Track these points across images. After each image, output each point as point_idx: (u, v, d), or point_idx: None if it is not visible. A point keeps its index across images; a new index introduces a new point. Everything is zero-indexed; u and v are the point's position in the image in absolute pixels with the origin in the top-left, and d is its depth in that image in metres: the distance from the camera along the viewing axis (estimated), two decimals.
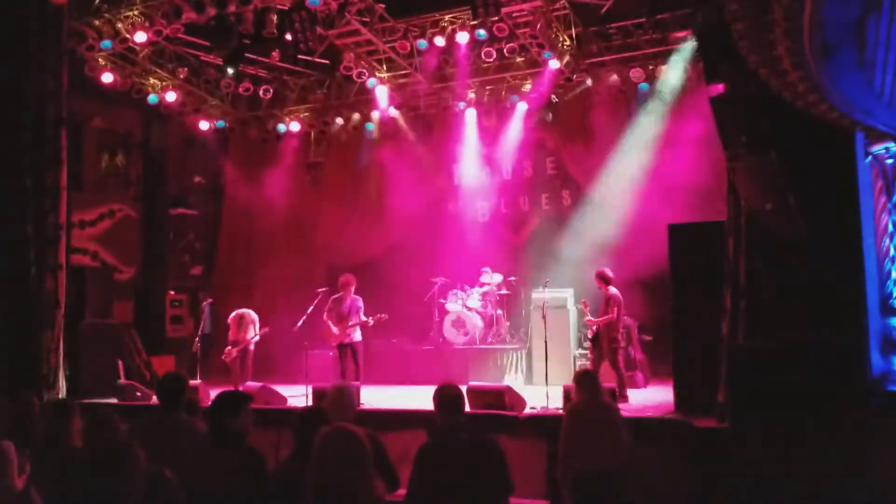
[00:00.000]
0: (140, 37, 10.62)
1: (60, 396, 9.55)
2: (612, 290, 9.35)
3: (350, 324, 9.84)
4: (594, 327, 9.32)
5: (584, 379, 5.94)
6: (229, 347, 10.45)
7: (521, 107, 12.68)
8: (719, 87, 7.24)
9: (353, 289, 9.98)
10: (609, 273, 9.46)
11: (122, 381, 10.22)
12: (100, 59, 11.29)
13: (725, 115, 7.22)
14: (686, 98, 11.50)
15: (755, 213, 6.98)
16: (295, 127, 13.99)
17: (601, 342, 9.28)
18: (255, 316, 10.61)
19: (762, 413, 6.48)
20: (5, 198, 9.79)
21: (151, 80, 12.27)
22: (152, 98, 12.28)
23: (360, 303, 10.01)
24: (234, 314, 10.57)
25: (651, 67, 11.52)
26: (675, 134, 11.68)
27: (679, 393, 8.06)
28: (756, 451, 6.33)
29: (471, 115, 13.21)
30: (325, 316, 9.96)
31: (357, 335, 9.97)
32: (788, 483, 6.00)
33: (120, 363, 10.99)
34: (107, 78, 11.51)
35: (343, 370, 9.97)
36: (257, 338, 10.53)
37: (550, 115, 12.40)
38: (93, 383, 10.29)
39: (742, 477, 6.32)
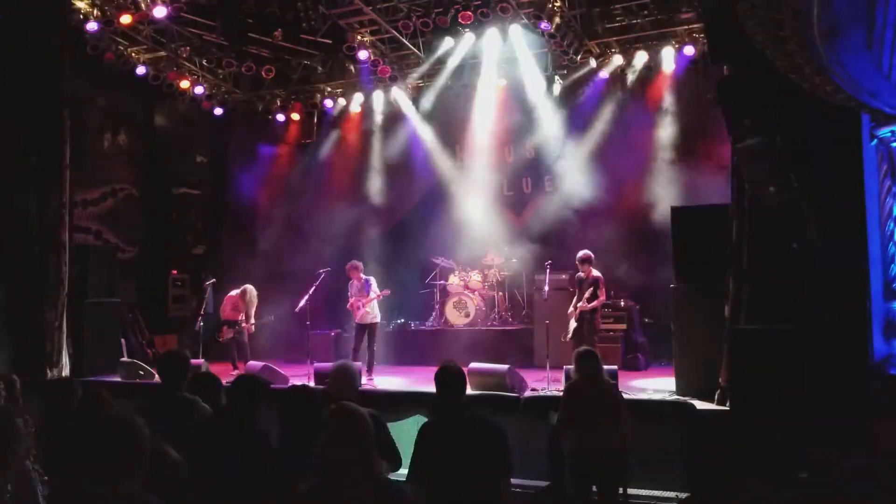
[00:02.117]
0: (143, 16, 10.57)
1: (64, 374, 9.61)
2: (597, 272, 9.32)
3: (362, 304, 9.93)
4: (578, 312, 9.23)
5: (585, 358, 5.95)
6: (225, 327, 10.51)
7: (525, 87, 12.60)
8: (725, 69, 7.19)
9: (360, 273, 10.08)
10: (592, 255, 9.40)
11: (125, 359, 10.27)
12: (103, 39, 11.22)
13: (730, 98, 7.17)
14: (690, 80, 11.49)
15: (759, 195, 6.95)
16: (298, 106, 13.93)
17: (583, 325, 9.21)
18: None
19: (763, 396, 6.49)
20: (9, 177, 9.78)
21: (154, 60, 12.21)
22: (155, 77, 12.22)
23: (372, 282, 10.13)
24: (247, 291, 10.61)
25: (655, 48, 11.45)
26: (677, 114, 11.67)
27: (680, 375, 8.08)
28: (757, 435, 6.34)
29: (472, 96, 13.13)
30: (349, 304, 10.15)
31: (372, 317, 10.01)
32: (789, 466, 6.02)
33: (123, 342, 11.04)
34: (109, 57, 11.45)
35: (356, 349, 10.05)
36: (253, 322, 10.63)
37: (556, 94, 12.32)
38: (96, 362, 10.34)
39: (743, 459, 6.33)
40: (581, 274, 9.42)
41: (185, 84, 12.67)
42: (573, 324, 9.35)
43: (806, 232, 6.55)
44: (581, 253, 9.45)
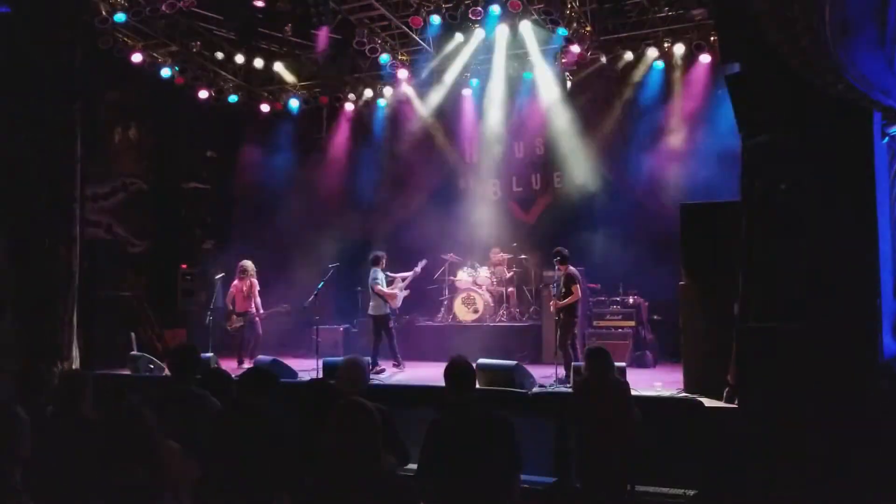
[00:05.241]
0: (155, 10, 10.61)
1: (74, 367, 9.66)
2: (572, 268, 9.28)
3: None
4: (558, 309, 9.17)
5: (595, 355, 5.95)
6: (234, 316, 10.68)
7: (535, 84, 12.58)
8: (735, 66, 7.16)
9: (374, 264, 10.42)
10: (566, 252, 9.36)
11: (135, 352, 10.33)
12: (114, 33, 11.26)
13: (741, 95, 7.14)
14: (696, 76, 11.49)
15: (769, 193, 6.92)
16: (307, 102, 13.96)
17: (559, 323, 9.16)
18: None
19: (772, 394, 6.47)
20: (19, 170, 9.83)
21: (165, 54, 12.25)
22: (165, 71, 12.27)
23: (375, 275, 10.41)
24: (243, 281, 10.82)
25: (666, 45, 11.41)
26: (687, 112, 11.65)
27: (689, 373, 8.07)
28: (765, 433, 6.32)
29: (483, 92, 13.13)
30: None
31: (374, 308, 10.34)
32: (797, 465, 6.00)
33: (133, 335, 11.11)
34: (120, 51, 11.51)
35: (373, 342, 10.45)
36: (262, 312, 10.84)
37: (566, 90, 12.30)
38: (106, 355, 10.40)
39: (750, 458, 6.32)
40: (558, 272, 9.38)
41: (195, 78, 12.72)
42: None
43: (816, 230, 6.52)
44: (554, 251, 9.43)
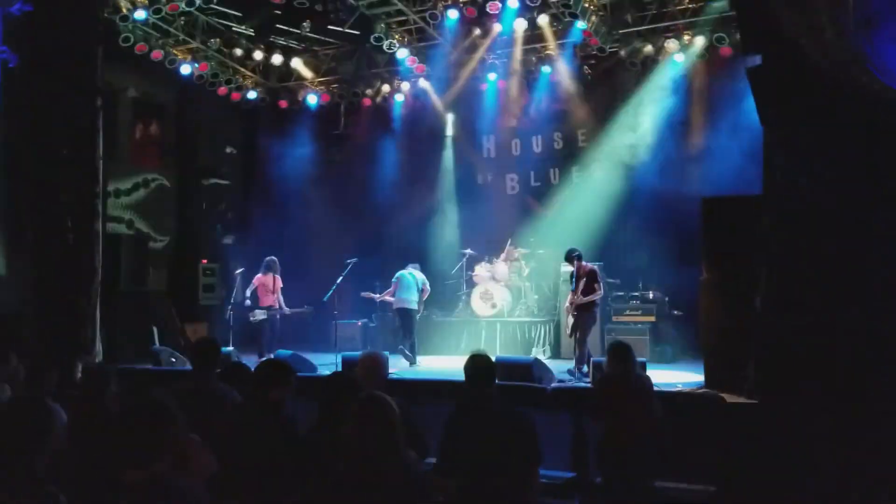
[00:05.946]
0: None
1: (97, 361, 9.77)
2: (589, 265, 9.25)
3: None
4: (577, 306, 9.17)
5: (618, 350, 5.93)
6: (257, 309, 10.72)
7: (553, 78, 12.54)
8: (757, 59, 7.09)
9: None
10: (578, 250, 9.37)
11: (158, 346, 10.43)
12: (134, 30, 11.36)
13: (762, 87, 7.07)
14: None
15: (790, 186, 6.86)
16: (326, 97, 14.00)
17: (580, 319, 9.13)
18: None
19: (793, 390, 6.42)
20: (42, 166, 9.94)
21: (184, 51, 12.34)
22: (185, 68, 12.36)
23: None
24: (266, 276, 10.83)
25: (686, 38, 11.32)
26: (708, 105, 11.55)
27: (709, 368, 8.02)
28: (785, 428, 6.28)
29: (501, 87, 13.10)
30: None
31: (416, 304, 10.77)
32: (817, 461, 5.96)
33: (155, 329, 11.22)
34: (141, 48, 11.60)
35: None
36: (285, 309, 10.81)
37: (584, 83, 12.26)
38: (129, 349, 10.51)
39: (770, 453, 6.28)
40: (573, 269, 9.34)
41: (214, 75, 12.80)
42: (570, 319, 9.30)
43: (838, 223, 6.46)
44: (567, 250, 9.41)
